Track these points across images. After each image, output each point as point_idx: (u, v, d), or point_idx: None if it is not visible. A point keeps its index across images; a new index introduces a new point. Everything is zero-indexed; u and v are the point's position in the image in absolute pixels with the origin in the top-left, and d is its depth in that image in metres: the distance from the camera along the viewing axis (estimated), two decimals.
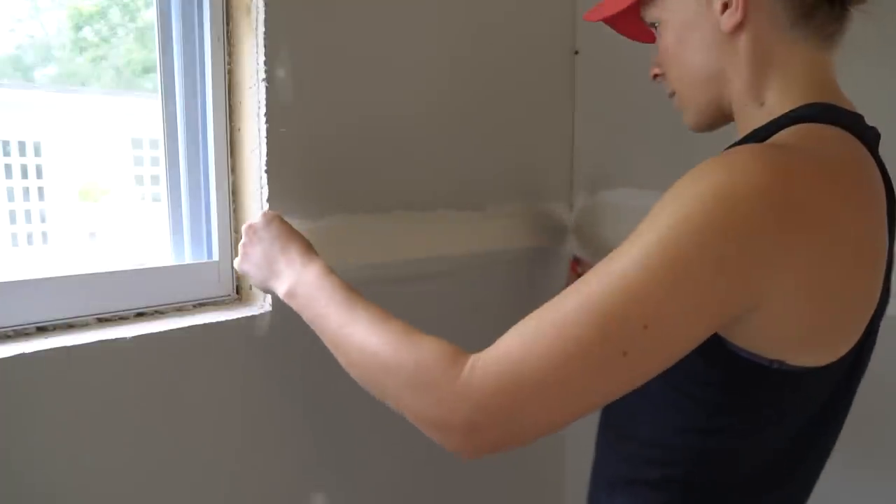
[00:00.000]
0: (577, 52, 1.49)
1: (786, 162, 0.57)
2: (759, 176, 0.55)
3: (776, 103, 0.69)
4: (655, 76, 0.82)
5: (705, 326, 0.58)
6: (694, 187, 0.57)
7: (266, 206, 0.96)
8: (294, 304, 0.79)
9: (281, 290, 0.80)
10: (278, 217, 0.86)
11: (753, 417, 0.67)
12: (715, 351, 0.62)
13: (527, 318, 0.61)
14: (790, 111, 0.67)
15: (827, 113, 0.65)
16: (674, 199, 0.58)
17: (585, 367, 0.57)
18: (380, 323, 0.68)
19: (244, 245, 0.86)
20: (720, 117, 0.76)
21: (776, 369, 0.61)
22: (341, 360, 0.72)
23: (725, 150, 0.62)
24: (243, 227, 0.87)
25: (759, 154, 0.58)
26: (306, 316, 0.77)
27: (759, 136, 0.67)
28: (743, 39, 0.69)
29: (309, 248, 0.82)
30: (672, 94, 0.80)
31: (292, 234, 0.84)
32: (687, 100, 0.77)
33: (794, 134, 0.64)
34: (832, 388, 0.68)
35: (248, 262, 0.85)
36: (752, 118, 0.71)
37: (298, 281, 0.78)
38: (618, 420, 0.78)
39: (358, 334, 0.69)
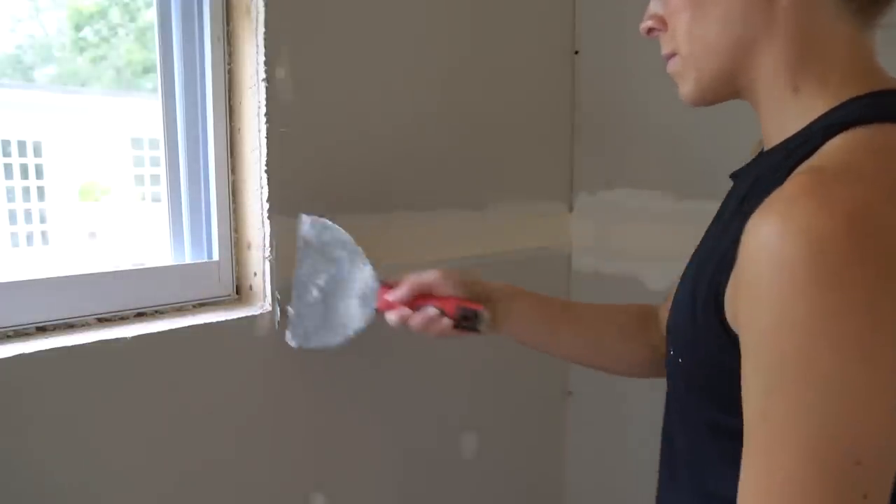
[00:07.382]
0: (577, 52, 1.49)
1: (865, 198, 0.46)
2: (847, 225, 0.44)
3: (813, 93, 0.57)
4: (651, 31, 0.66)
5: None
6: (789, 272, 0.45)
7: (266, 206, 0.96)
8: None
9: None
10: None
11: None
12: None
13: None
14: (832, 111, 0.55)
15: (878, 108, 0.54)
16: (779, 298, 0.46)
17: None
18: None
19: None
20: (726, 93, 0.63)
21: None
22: None
23: (754, 183, 0.53)
24: None
25: (832, 199, 0.45)
26: None
27: (798, 149, 0.55)
28: (785, 5, 0.56)
29: None
30: (671, 56, 0.64)
31: None
32: (694, 67, 0.62)
33: (853, 150, 0.51)
34: None
35: None
36: (782, 107, 0.59)
37: None
38: (696, 478, 0.64)
39: None
